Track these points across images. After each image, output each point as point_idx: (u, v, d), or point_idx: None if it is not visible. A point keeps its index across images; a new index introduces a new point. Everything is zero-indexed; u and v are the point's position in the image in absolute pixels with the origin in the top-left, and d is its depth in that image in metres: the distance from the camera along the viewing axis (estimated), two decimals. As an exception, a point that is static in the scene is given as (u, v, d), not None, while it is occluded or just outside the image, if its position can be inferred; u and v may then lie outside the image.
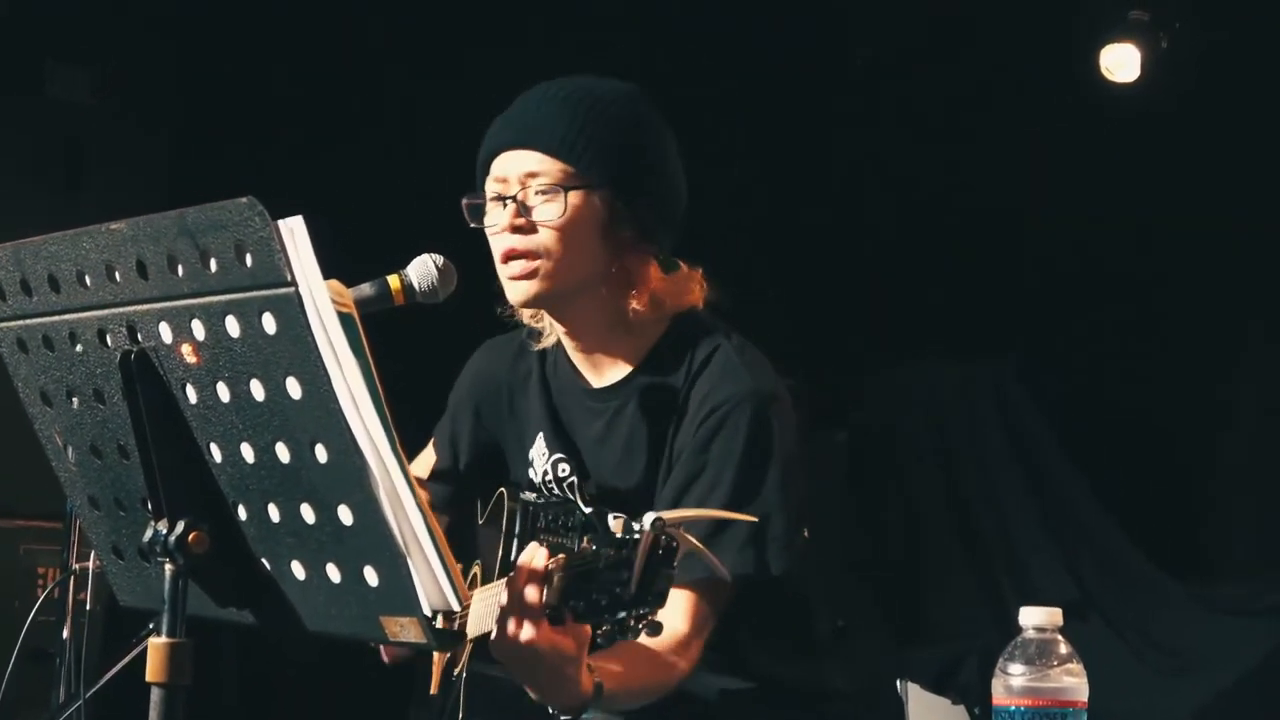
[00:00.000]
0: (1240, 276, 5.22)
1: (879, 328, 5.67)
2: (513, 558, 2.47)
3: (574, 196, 2.46)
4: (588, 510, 2.56)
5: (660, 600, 1.92)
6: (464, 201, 2.52)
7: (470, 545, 2.63)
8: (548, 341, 2.63)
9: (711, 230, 2.61)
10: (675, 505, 2.44)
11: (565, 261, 2.47)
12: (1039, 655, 1.87)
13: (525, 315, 2.61)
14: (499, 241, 2.50)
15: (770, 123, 5.69)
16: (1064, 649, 1.88)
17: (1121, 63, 5.15)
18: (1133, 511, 5.29)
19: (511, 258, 2.48)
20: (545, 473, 2.60)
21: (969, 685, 4.59)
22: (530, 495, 2.57)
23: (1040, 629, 1.89)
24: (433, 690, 2.61)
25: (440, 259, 2.47)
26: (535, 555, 2.01)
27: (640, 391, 2.53)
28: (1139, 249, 5.40)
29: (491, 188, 2.51)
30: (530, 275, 2.47)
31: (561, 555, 1.99)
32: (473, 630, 2.26)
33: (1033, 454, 5.46)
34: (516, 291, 2.50)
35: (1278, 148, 5.07)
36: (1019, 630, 1.90)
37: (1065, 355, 5.60)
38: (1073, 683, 1.86)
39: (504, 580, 2.18)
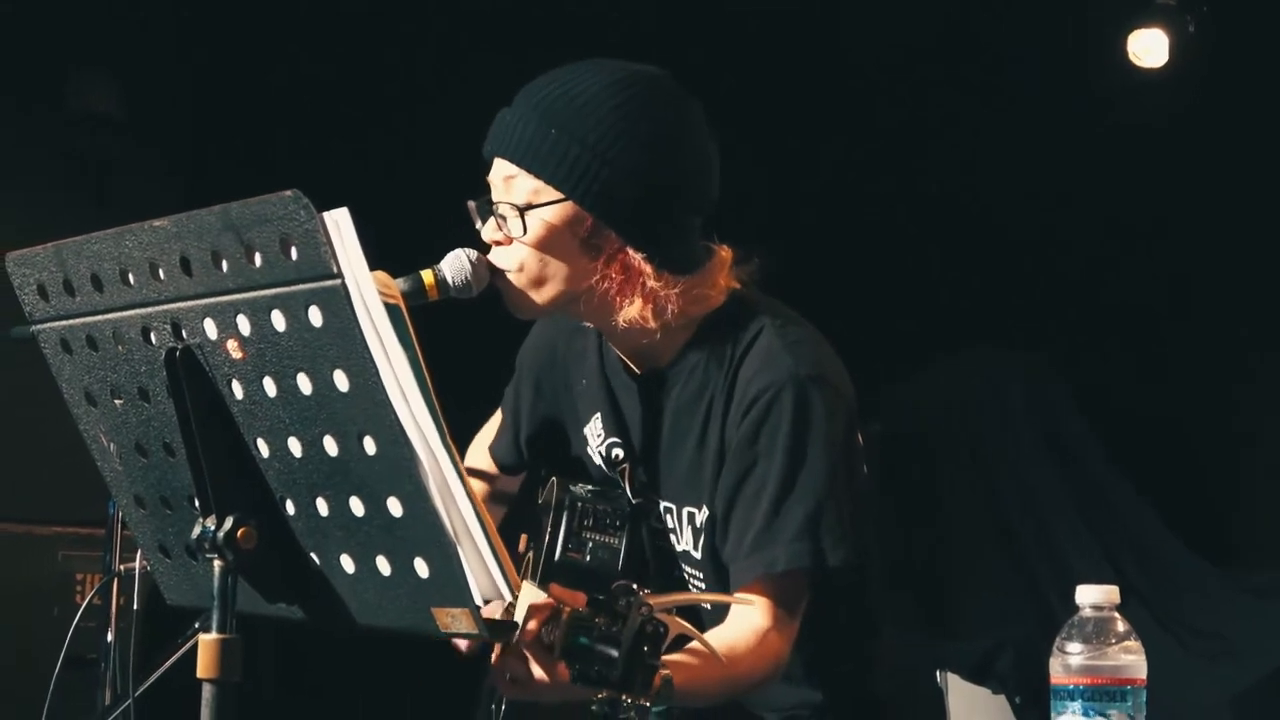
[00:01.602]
0: (1272, 272, 5.19)
1: (912, 322, 5.65)
2: (556, 557, 2.44)
3: (543, 212, 2.35)
4: (637, 502, 2.52)
5: (645, 690, 1.86)
6: (470, 204, 2.45)
7: (530, 522, 2.61)
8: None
9: (749, 222, 2.54)
10: (731, 505, 2.38)
11: (539, 276, 2.39)
12: (1096, 634, 1.86)
13: None
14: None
15: (795, 112, 5.68)
16: (1121, 627, 1.87)
17: (1149, 48, 5.12)
18: (1169, 499, 5.27)
19: (498, 269, 2.42)
20: (600, 453, 2.56)
21: (1007, 675, 4.58)
22: (580, 487, 2.52)
23: (1097, 607, 1.88)
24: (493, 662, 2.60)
25: (474, 253, 2.42)
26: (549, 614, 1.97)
27: (684, 380, 2.47)
28: (1169, 238, 5.38)
29: (492, 191, 2.44)
30: (516, 289, 2.41)
31: (567, 610, 1.93)
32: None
33: (1067, 445, 5.44)
34: (510, 306, 2.44)
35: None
36: (1076, 609, 1.89)
37: (1098, 346, 5.58)
38: (1131, 660, 1.85)
39: (539, 593, 2.17)
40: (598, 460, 2.58)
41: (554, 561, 2.43)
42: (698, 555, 2.47)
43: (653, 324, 2.40)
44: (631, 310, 2.39)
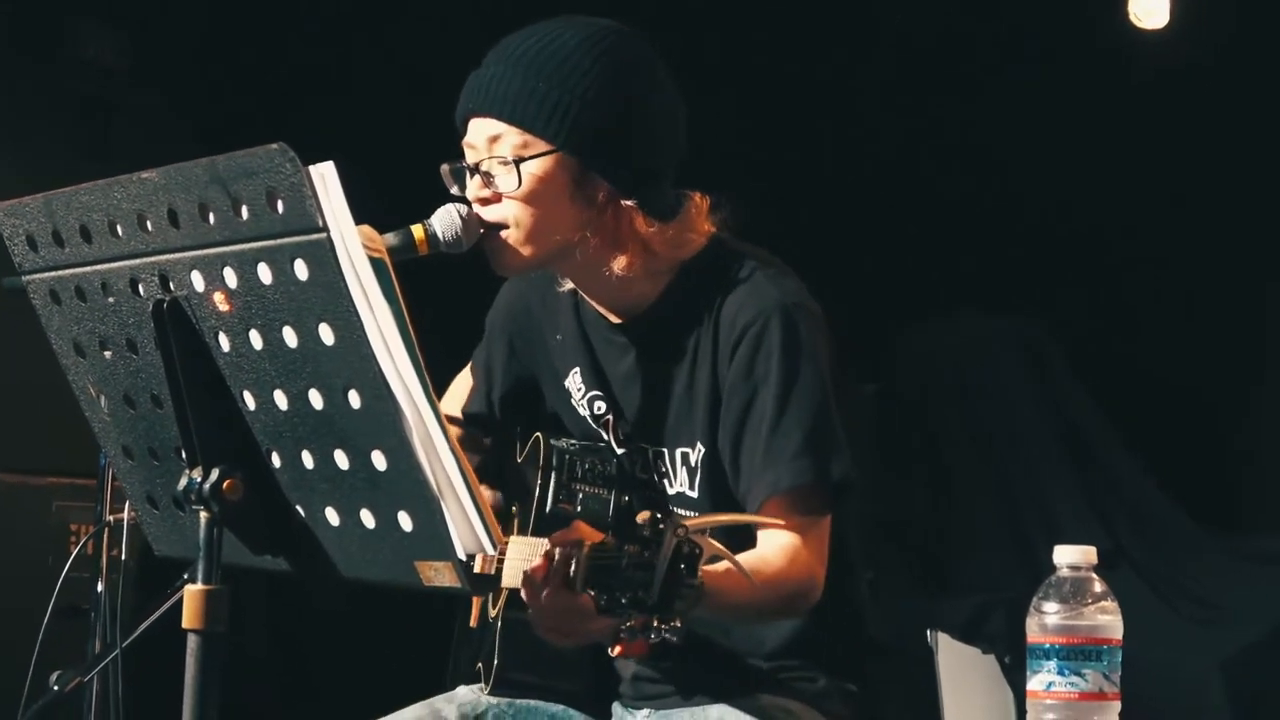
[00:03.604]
0: (1273, 231, 5.18)
1: (908, 283, 5.65)
2: (548, 509, 2.46)
3: (533, 165, 2.39)
4: (620, 452, 2.54)
5: (684, 611, 1.90)
6: (444, 168, 2.47)
7: (506, 480, 2.63)
8: (568, 285, 2.58)
9: (741, 183, 2.55)
10: (738, 438, 2.42)
11: (535, 230, 2.41)
12: (1073, 594, 1.87)
13: None
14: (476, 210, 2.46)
15: (791, 74, 5.66)
16: (1098, 587, 1.88)
17: (1151, 10, 5.10)
18: (1164, 463, 5.27)
19: (485, 227, 2.44)
20: (582, 408, 2.59)
21: (998, 634, 4.59)
22: (565, 441, 2.55)
23: (1075, 567, 1.89)
24: (472, 623, 2.62)
25: (464, 208, 2.44)
26: (565, 539, 2.03)
27: (662, 327, 2.50)
28: (1170, 202, 5.37)
29: (467, 154, 2.47)
30: (504, 246, 2.43)
31: (586, 543, 1.99)
32: (509, 581, 2.28)
33: (1063, 406, 5.44)
34: (496, 262, 2.46)
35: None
36: (1053, 569, 1.90)
37: (1096, 309, 5.58)
38: (1107, 620, 1.86)
39: (534, 542, 2.19)
40: (582, 412, 2.60)
41: (545, 514, 2.45)
42: (694, 495, 2.49)
43: (641, 271, 2.45)
44: (624, 258, 2.44)
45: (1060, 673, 1.85)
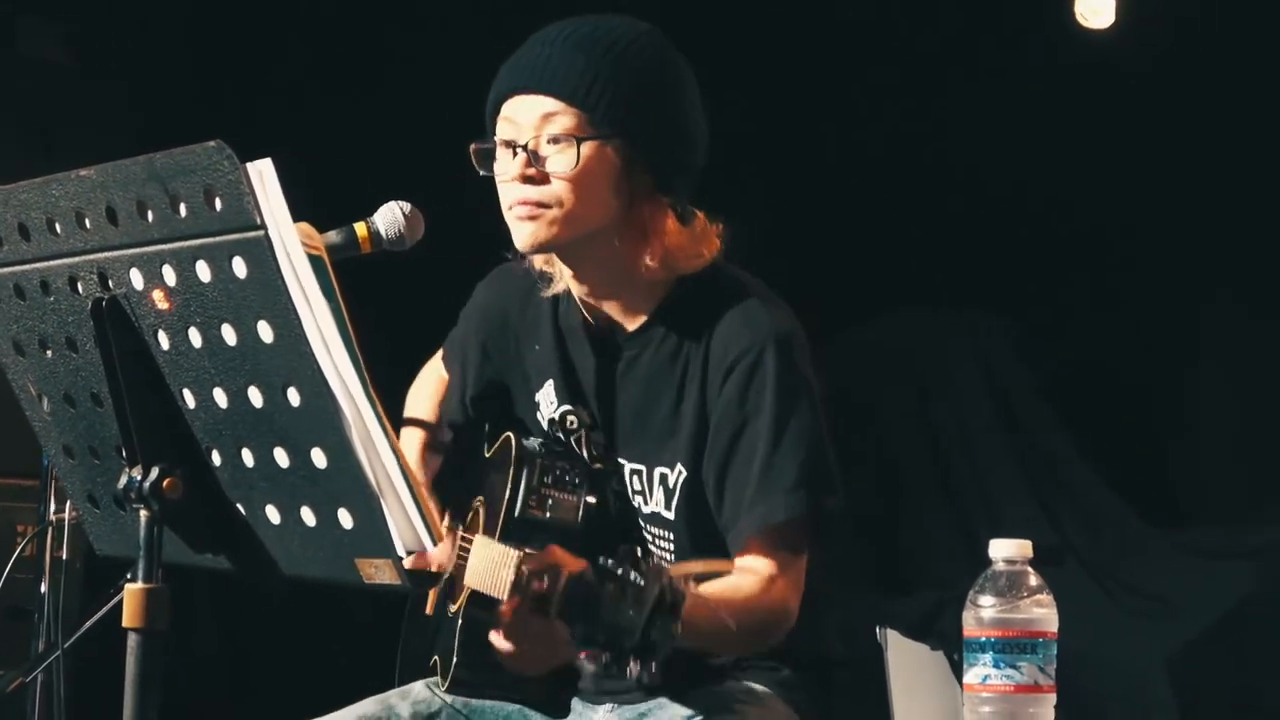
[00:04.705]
0: (1214, 230, 5.23)
1: (855, 279, 5.67)
2: (516, 513, 2.45)
3: (588, 147, 2.38)
4: (596, 467, 2.52)
5: (661, 652, 1.90)
6: (472, 147, 2.45)
7: (474, 477, 2.62)
8: (558, 288, 2.55)
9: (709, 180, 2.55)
10: (724, 467, 2.41)
11: (577, 212, 2.40)
12: (1009, 587, 1.89)
13: (537, 260, 2.54)
14: (509, 190, 2.43)
15: (744, 71, 5.67)
16: (1034, 580, 1.90)
17: (1096, 9, 5.13)
18: (1109, 458, 5.31)
19: (522, 205, 2.42)
20: (552, 421, 2.56)
21: (947, 632, 4.61)
22: (536, 443, 2.53)
23: (1010, 561, 1.91)
24: (428, 611, 2.61)
25: (407, 206, 2.44)
26: (543, 564, 2.03)
27: (658, 341, 2.49)
28: (1111, 201, 5.41)
29: (503, 131, 2.43)
30: (539, 219, 2.40)
31: (565, 571, 1.98)
32: (471, 581, 2.29)
33: (1008, 401, 5.48)
34: (524, 235, 2.43)
35: (1253, 100, 5.08)
36: (989, 563, 1.92)
37: (1037, 304, 5.61)
38: (1042, 614, 1.88)
39: (506, 551, 2.20)
40: (545, 426, 2.58)
41: (514, 517, 2.44)
42: (669, 516, 2.48)
43: (660, 274, 2.45)
44: (647, 254, 2.44)
45: (996, 665, 1.87)
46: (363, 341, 1.76)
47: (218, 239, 1.76)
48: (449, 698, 2.54)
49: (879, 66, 5.69)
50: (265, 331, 1.77)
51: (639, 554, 1.92)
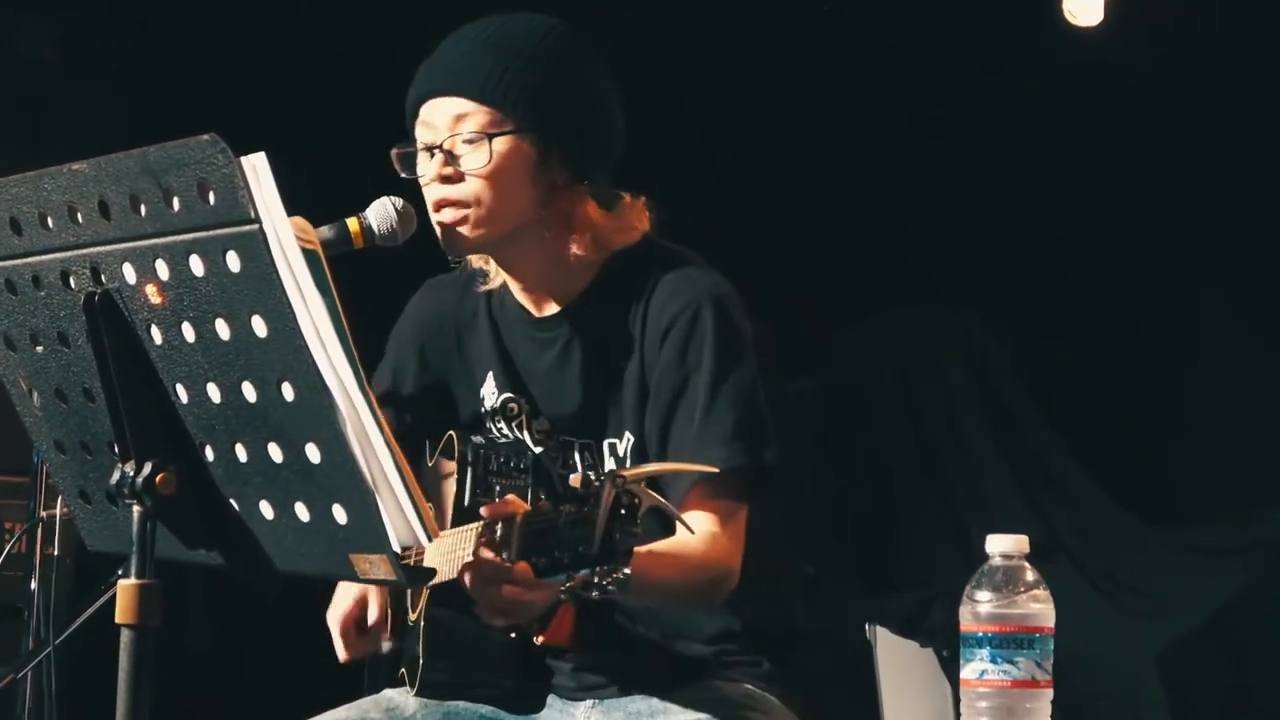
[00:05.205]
0: (1206, 228, 5.23)
1: (848, 277, 5.66)
2: (465, 503, 2.45)
3: (500, 143, 2.43)
4: (537, 450, 2.54)
5: (626, 558, 1.91)
6: (394, 152, 2.51)
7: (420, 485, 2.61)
8: (494, 283, 2.60)
9: (688, 182, 2.58)
10: (666, 426, 2.45)
11: (496, 209, 2.45)
12: (1006, 582, 1.89)
13: (473, 258, 2.60)
14: (429, 191, 2.48)
15: (733, 67, 5.67)
16: (1030, 576, 1.89)
17: (1084, 7, 5.13)
18: (1100, 455, 5.31)
19: (443, 207, 2.47)
20: (494, 411, 2.59)
21: (937, 628, 4.62)
22: (478, 438, 2.56)
23: (1007, 556, 1.90)
24: (412, 617, 2.61)
25: (400, 202, 2.46)
26: (496, 512, 2.04)
27: (591, 317, 2.53)
28: (1103, 199, 5.41)
29: (421, 135, 2.49)
30: (462, 223, 2.46)
31: (519, 513, 2.00)
32: (439, 577, 2.27)
33: (1000, 399, 5.48)
34: (449, 241, 2.49)
35: (1243, 97, 5.08)
36: (986, 558, 1.92)
37: (1030, 303, 5.61)
38: (1039, 609, 1.88)
39: (462, 530, 2.19)
40: (491, 419, 2.60)
41: (464, 507, 2.45)
42: None
43: (592, 256, 2.50)
44: (574, 242, 2.48)
45: (993, 661, 1.86)
46: (356, 337, 1.76)
47: (211, 233, 1.75)
48: (421, 702, 2.54)
49: (873, 65, 5.68)
50: (259, 326, 1.76)
51: (592, 475, 1.92)
